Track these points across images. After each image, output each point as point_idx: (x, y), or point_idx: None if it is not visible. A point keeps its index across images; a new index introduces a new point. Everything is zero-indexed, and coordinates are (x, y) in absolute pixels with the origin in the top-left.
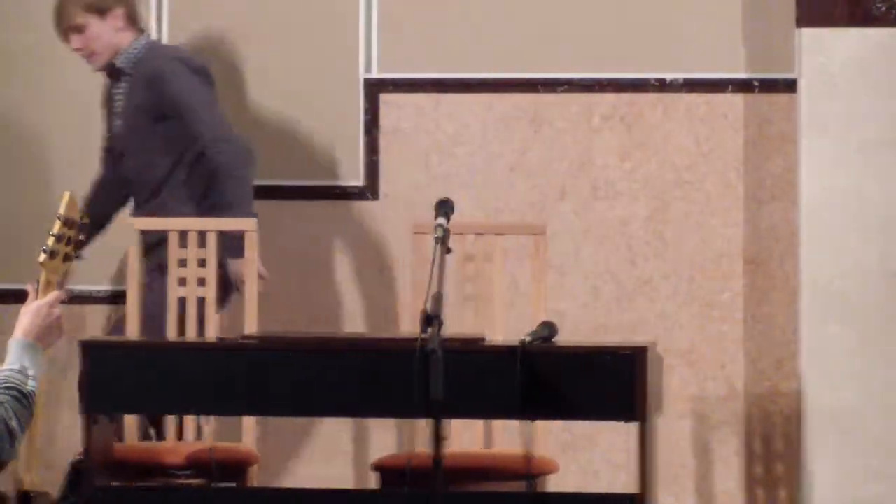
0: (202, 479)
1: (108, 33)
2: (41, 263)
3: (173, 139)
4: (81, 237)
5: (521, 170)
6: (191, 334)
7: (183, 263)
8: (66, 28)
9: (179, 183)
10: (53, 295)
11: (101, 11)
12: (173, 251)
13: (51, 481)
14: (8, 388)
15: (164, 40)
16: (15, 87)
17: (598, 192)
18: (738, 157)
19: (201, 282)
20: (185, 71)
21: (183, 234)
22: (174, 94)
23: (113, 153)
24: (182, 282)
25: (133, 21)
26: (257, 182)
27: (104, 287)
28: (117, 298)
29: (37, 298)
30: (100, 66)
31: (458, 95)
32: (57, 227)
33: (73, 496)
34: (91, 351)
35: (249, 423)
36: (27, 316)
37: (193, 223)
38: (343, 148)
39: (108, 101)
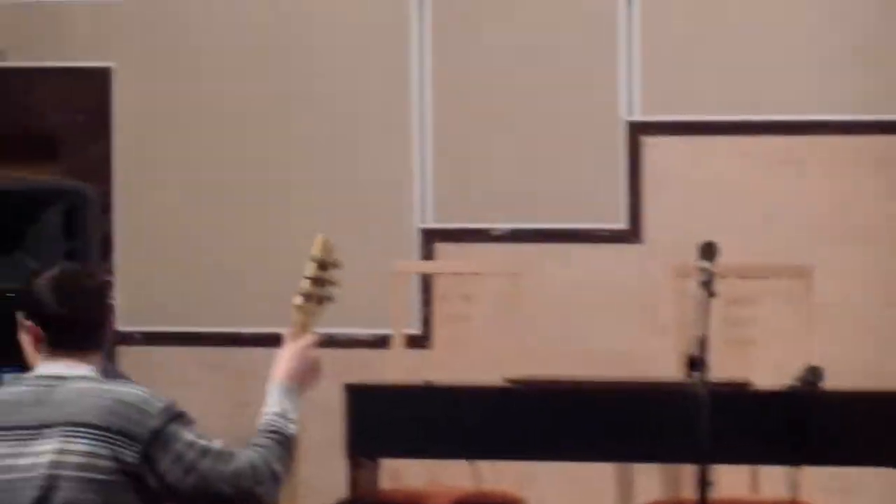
0: None
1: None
2: (296, 306)
3: None
4: (335, 279)
5: (783, 212)
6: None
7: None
8: None
9: None
10: (310, 337)
11: None
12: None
13: None
14: (271, 431)
15: (428, 89)
16: (258, 136)
17: (860, 234)
18: None
19: None
20: None
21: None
22: None
23: None
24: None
25: None
26: (524, 225)
27: (366, 330)
28: (381, 343)
29: (293, 341)
30: None
31: (719, 138)
32: (311, 269)
33: None
34: (356, 394)
35: (515, 466)
36: (285, 359)
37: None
38: (605, 191)
39: None
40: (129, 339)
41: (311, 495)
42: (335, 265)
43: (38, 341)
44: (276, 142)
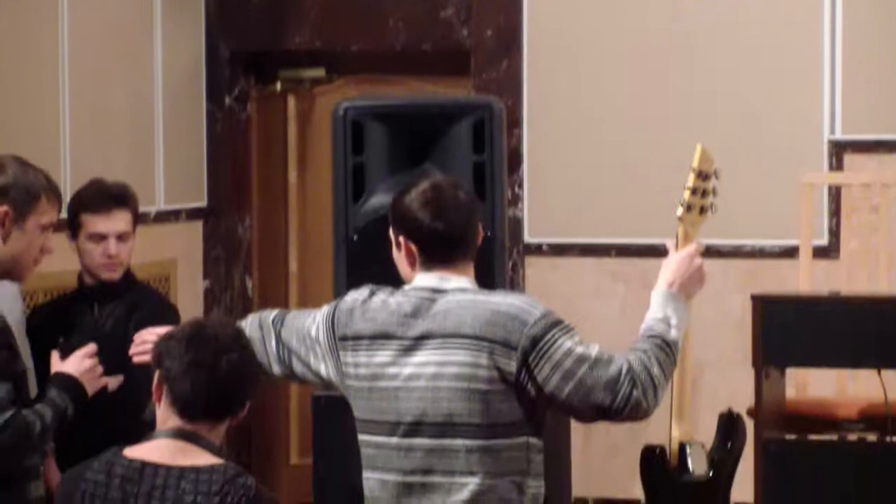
0: (875, 433)
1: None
2: (679, 217)
3: None
4: (714, 189)
5: None
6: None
7: None
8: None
9: None
10: (693, 246)
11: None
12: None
13: (704, 432)
14: (651, 336)
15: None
16: (663, 50)
17: None
18: None
19: None
20: None
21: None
22: None
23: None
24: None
25: None
26: None
27: (774, 241)
28: (788, 253)
29: (676, 251)
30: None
31: None
32: (691, 180)
33: (727, 446)
34: (763, 304)
35: None
36: (669, 268)
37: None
38: None
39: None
40: (535, 250)
41: (717, 405)
42: (714, 175)
43: (411, 256)
44: (680, 53)
